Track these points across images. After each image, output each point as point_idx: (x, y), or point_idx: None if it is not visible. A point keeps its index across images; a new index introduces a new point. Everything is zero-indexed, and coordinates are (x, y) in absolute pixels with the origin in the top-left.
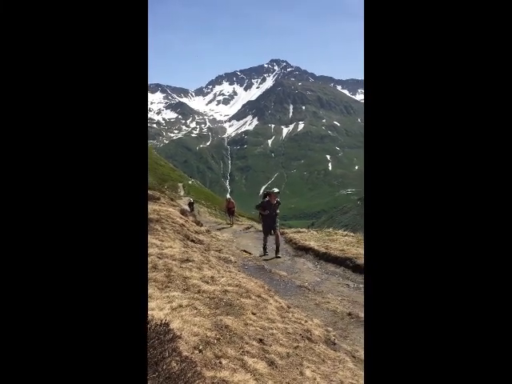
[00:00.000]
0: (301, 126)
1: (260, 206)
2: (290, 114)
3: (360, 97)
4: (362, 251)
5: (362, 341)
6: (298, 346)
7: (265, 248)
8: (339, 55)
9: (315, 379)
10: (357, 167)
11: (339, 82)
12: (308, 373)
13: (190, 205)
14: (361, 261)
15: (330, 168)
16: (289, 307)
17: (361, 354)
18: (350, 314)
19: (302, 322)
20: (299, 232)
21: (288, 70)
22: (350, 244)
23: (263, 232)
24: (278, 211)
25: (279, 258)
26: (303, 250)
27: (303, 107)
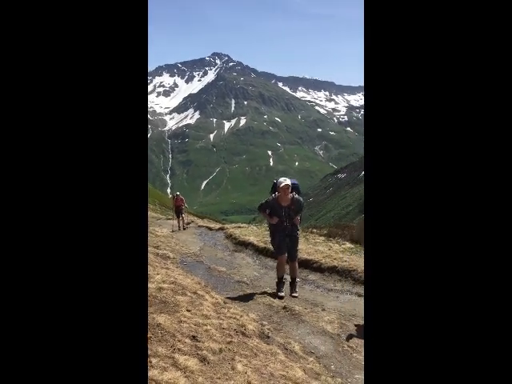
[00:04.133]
0: (243, 121)
1: (263, 208)
2: (232, 108)
3: (300, 94)
4: (300, 246)
5: (295, 333)
6: (231, 341)
7: (280, 281)
8: (280, 52)
9: (246, 373)
10: (297, 163)
11: (280, 78)
12: (239, 367)
13: None
14: (298, 256)
15: (272, 164)
16: (225, 303)
17: (293, 346)
18: (285, 308)
19: (238, 317)
20: (239, 227)
21: (230, 64)
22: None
23: (275, 252)
24: (298, 217)
25: (295, 297)
26: (243, 245)
27: (245, 102)
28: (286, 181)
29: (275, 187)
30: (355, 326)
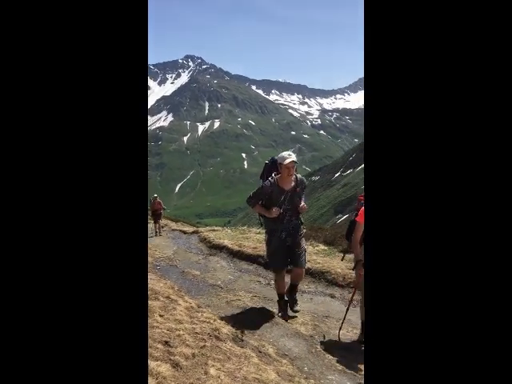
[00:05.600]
0: (217, 123)
1: (255, 199)
2: (206, 111)
3: (274, 97)
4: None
5: (269, 336)
6: (204, 346)
7: (281, 299)
8: (253, 55)
9: (219, 377)
10: None
11: (254, 81)
12: (212, 371)
13: None
14: None
15: (246, 166)
16: (199, 307)
17: (267, 348)
18: (258, 310)
19: (211, 321)
20: (214, 230)
21: (203, 66)
22: (263, 241)
23: (269, 263)
24: (304, 203)
25: (296, 312)
26: (217, 248)
27: (219, 105)
28: (291, 156)
29: (270, 168)
30: (328, 327)
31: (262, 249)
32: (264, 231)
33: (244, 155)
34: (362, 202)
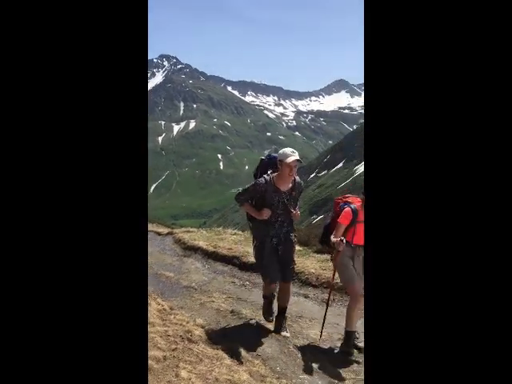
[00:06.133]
0: (192, 124)
1: (246, 197)
2: (181, 111)
3: (249, 98)
4: (249, 249)
5: (242, 336)
6: (176, 348)
7: (270, 301)
8: (229, 56)
9: (190, 379)
10: (247, 167)
11: (229, 82)
12: (184, 373)
13: None
14: (247, 259)
15: (222, 167)
16: (172, 309)
17: (240, 349)
18: (232, 312)
19: (184, 324)
20: (188, 231)
21: (178, 66)
22: (238, 242)
23: (265, 274)
24: (298, 209)
25: (286, 335)
26: (192, 249)
27: (194, 105)
28: (295, 154)
29: (266, 165)
30: (301, 327)
31: (237, 250)
32: (252, 237)
33: (220, 156)
34: (343, 204)
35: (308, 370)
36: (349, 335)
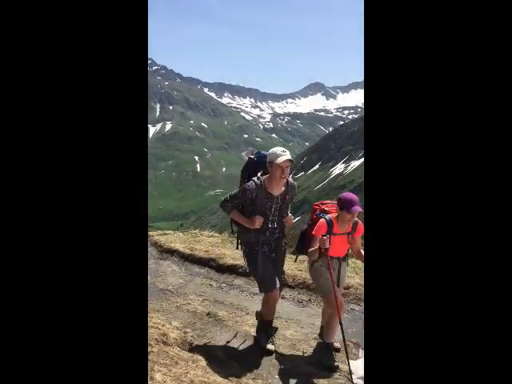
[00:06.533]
0: (168, 126)
1: (232, 202)
2: (157, 113)
3: (226, 100)
4: (226, 251)
5: (219, 338)
6: (151, 351)
7: (269, 325)
8: (205, 58)
9: (165, 382)
10: (224, 169)
11: (206, 84)
12: (158, 376)
13: None
14: (223, 261)
15: (199, 169)
16: (147, 312)
17: (216, 351)
18: (208, 314)
19: (160, 327)
20: (165, 234)
21: (154, 68)
22: (215, 245)
23: (262, 284)
24: (290, 215)
25: (270, 352)
26: (169, 252)
27: (170, 107)
28: (285, 153)
29: (256, 165)
30: (278, 327)
31: (214, 252)
32: (240, 243)
33: (196, 158)
34: (319, 213)
35: (284, 371)
36: (329, 347)
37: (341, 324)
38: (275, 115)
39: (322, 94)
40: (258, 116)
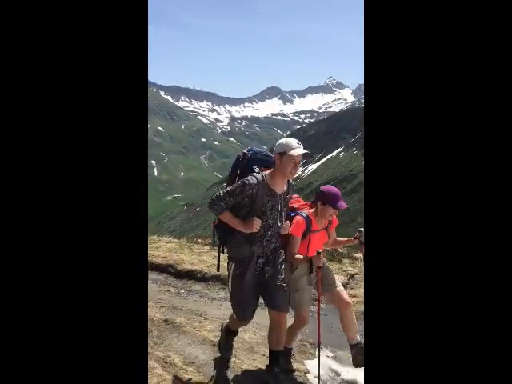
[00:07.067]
0: None
1: (226, 201)
2: None
3: (183, 104)
4: (184, 257)
5: (176, 345)
6: None
7: (226, 345)
8: (162, 61)
9: None
10: (182, 173)
11: (162, 87)
12: None
13: None
14: (182, 266)
15: (156, 174)
16: None
17: (173, 358)
18: (166, 321)
19: None
20: None
21: None
22: (173, 250)
23: (234, 309)
24: (285, 225)
25: None
26: None
27: None
28: (300, 146)
29: (250, 162)
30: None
31: (171, 258)
32: (227, 258)
33: (154, 162)
34: (290, 212)
35: (241, 374)
36: (288, 352)
37: (319, 344)
38: (233, 119)
39: (279, 98)
40: (216, 120)
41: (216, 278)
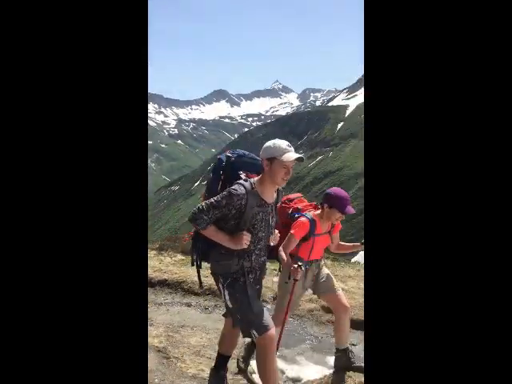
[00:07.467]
0: None
1: (211, 214)
2: None
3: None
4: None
5: None
6: None
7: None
8: None
9: None
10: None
11: None
12: None
13: None
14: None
15: None
16: None
17: None
18: None
19: None
20: None
21: None
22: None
23: (255, 326)
24: (275, 234)
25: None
26: None
27: None
28: (291, 149)
29: (235, 166)
30: (182, 335)
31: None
32: (211, 274)
33: None
34: (295, 213)
35: (187, 378)
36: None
37: (279, 341)
38: (180, 121)
39: (227, 101)
40: (163, 122)
41: (163, 283)
